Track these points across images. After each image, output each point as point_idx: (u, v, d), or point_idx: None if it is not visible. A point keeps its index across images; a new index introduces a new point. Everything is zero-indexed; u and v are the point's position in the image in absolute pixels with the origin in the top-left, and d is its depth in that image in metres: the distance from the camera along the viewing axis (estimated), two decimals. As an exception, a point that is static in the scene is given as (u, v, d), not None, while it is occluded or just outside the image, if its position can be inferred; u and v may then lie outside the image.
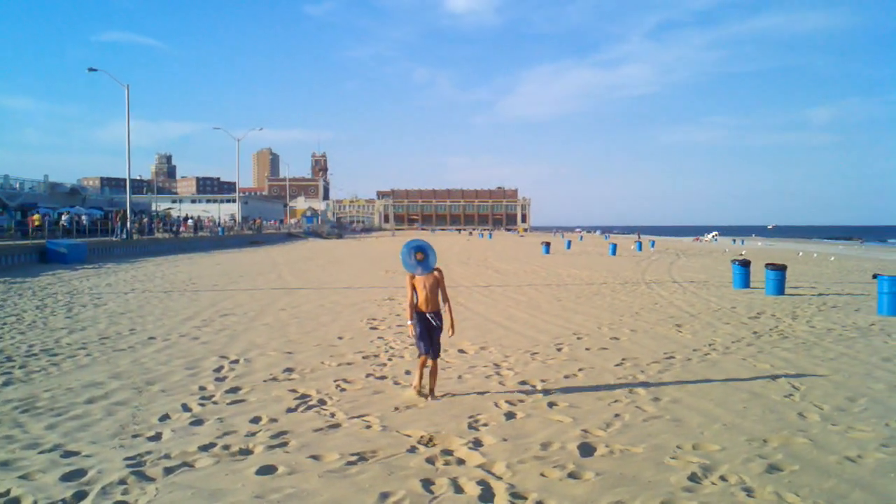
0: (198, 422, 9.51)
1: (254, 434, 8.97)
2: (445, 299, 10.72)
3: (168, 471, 7.66)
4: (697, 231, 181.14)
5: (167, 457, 8.09)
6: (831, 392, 11.23)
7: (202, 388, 11.37)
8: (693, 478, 7.49)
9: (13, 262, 39.83)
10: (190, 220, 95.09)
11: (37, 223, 56.34)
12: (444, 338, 11.17)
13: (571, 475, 7.60)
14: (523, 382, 11.75)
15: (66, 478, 7.43)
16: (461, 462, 8.01)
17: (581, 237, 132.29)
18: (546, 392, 11.19)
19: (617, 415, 9.92)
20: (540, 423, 9.47)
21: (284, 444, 8.61)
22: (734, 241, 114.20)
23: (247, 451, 8.32)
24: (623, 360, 13.72)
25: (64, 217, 60.95)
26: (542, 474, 7.60)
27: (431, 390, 10.87)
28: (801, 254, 63.74)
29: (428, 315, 10.52)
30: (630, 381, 11.91)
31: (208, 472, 7.67)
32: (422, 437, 8.77)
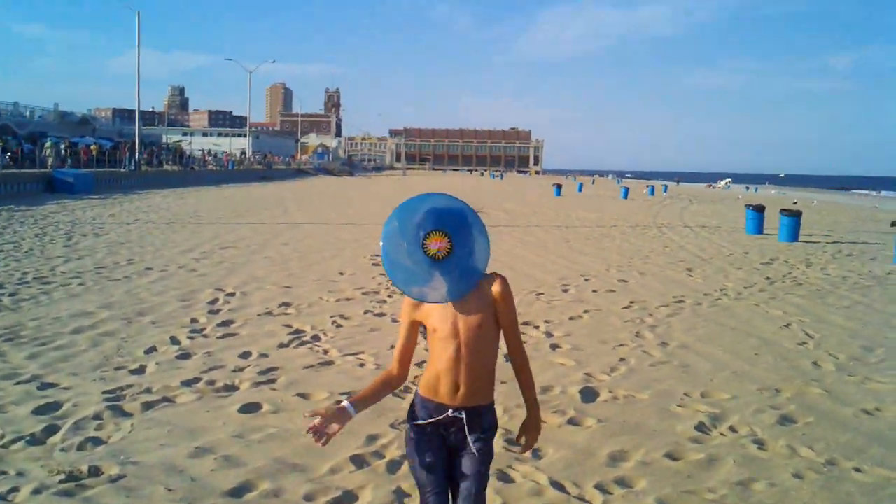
0: (185, 355, 9.12)
1: (241, 370, 8.57)
2: (518, 360, 3.97)
3: (147, 406, 7.27)
4: (710, 178, 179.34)
5: (148, 391, 7.71)
6: (846, 341, 10.77)
7: (194, 321, 10.97)
8: (701, 427, 7.07)
9: (19, 191, 39.39)
10: (210, 156, 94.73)
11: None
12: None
13: (571, 421, 7.19)
14: (526, 323, 11.30)
15: (39, 411, 7.03)
16: (456, 404, 7.59)
17: (593, 181, 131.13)
18: (549, 334, 10.77)
19: (622, 359, 9.49)
20: (541, 365, 9.02)
21: (272, 380, 8.22)
22: (747, 188, 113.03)
23: (232, 388, 7.93)
24: (631, 302, 13.27)
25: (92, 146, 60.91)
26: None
27: None
28: (815, 202, 62.93)
29: (449, 415, 3.72)
30: (637, 325, 11.47)
31: (189, 408, 7.29)
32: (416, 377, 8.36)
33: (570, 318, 11.84)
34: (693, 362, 9.40)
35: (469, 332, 3.66)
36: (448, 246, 3.45)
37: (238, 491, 5.51)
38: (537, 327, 11.13)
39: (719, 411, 7.54)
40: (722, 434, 6.94)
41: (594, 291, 14.40)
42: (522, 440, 4.00)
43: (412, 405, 3.85)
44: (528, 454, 4.07)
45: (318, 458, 6.10)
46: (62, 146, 55.35)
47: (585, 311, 12.38)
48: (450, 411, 3.71)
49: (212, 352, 9.31)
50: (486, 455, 3.79)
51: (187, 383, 8.00)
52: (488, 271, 3.62)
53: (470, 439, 3.72)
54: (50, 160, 49.91)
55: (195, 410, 7.22)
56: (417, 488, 3.85)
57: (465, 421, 3.71)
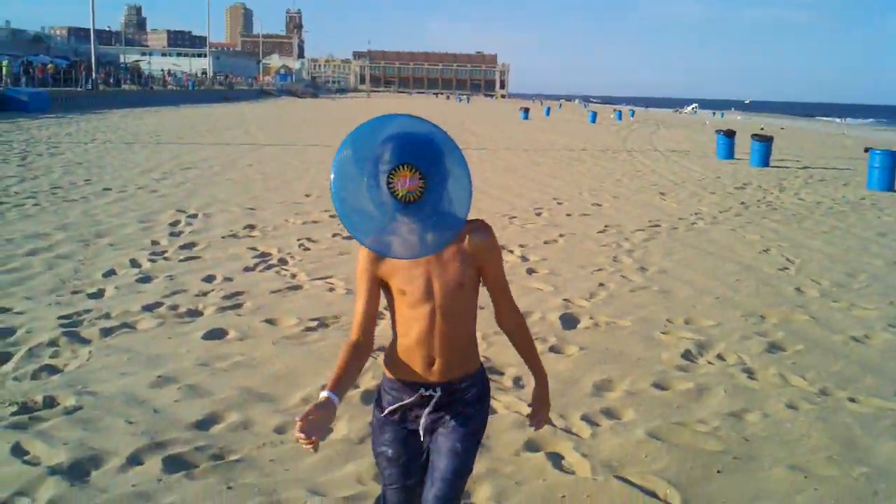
0: (145, 279, 8.68)
1: (205, 294, 8.16)
2: (514, 325, 3.27)
3: (105, 332, 6.85)
4: (676, 104, 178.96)
5: (107, 316, 7.28)
6: (828, 266, 10.56)
7: (154, 243, 10.50)
8: (687, 356, 6.79)
9: (-30, 109, 38.10)
10: (170, 77, 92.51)
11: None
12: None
13: (553, 349, 6.90)
14: (500, 247, 10.95)
15: (-10, 337, 6.61)
16: (432, 331, 7.25)
17: (560, 105, 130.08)
18: (524, 258, 10.45)
19: (601, 284, 9.19)
20: (519, 290, 8.66)
21: (238, 305, 7.83)
22: (714, 113, 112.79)
23: (196, 313, 7.53)
24: (606, 226, 12.96)
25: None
26: (521, 347, 6.87)
27: None
28: (783, 128, 62.86)
29: (422, 394, 2.96)
30: (614, 249, 11.17)
31: (150, 334, 6.88)
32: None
33: (545, 243, 11.52)
34: (673, 288, 9.12)
35: (446, 293, 2.88)
36: (420, 185, 2.52)
37: (204, 423, 5.14)
38: (511, 251, 10.79)
39: (705, 339, 7.27)
40: (709, 363, 6.67)
41: (568, 215, 14.07)
42: (534, 417, 3.32)
43: (378, 389, 3.13)
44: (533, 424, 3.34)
45: (289, 387, 5.75)
46: (19, 64, 53.77)
47: (560, 235, 12.05)
48: (422, 390, 2.95)
49: (174, 275, 8.88)
50: (469, 431, 2.99)
51: (148, 308, 7.58)
52: (473, 220, 2.88)
53: (446, 416, 2.98)
54: (7, 79, 48.31)
55: (157, 337, 6.83)
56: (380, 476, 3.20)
57: (438, 399, 2.96)
